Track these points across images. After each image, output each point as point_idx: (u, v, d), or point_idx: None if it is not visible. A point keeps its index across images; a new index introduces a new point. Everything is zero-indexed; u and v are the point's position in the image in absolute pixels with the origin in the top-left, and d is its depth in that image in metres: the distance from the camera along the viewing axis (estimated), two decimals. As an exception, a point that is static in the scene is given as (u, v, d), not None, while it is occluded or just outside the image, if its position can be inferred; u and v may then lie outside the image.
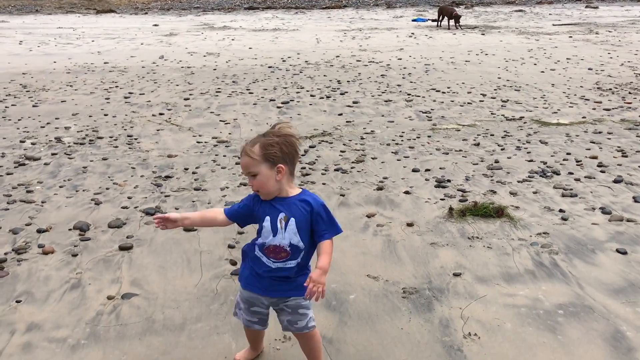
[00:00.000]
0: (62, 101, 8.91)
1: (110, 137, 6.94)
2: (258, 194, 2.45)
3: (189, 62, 12.90)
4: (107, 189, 5.22)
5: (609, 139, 6.70)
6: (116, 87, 10.07)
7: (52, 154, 6.23)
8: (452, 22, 21.01)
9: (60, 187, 5.26)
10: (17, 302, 3.35)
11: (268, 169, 2.35)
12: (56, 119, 7.82)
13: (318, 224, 2.42)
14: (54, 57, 13.83)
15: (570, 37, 17.66)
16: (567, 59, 13.05)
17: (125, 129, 7.29)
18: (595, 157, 5.98)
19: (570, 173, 5.52)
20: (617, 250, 3.94)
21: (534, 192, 5.04)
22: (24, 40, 17.46)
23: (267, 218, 2.43)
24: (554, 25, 22.14)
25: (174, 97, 9.24)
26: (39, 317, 3.20)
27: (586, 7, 31.39)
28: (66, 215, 4.61)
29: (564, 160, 5.93)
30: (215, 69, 11.94)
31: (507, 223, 4.40)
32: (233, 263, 3.81)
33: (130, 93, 9.50)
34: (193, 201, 4.92)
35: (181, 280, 3.59)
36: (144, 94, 9.48)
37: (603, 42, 16.08)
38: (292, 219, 2.40)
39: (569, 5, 33.00)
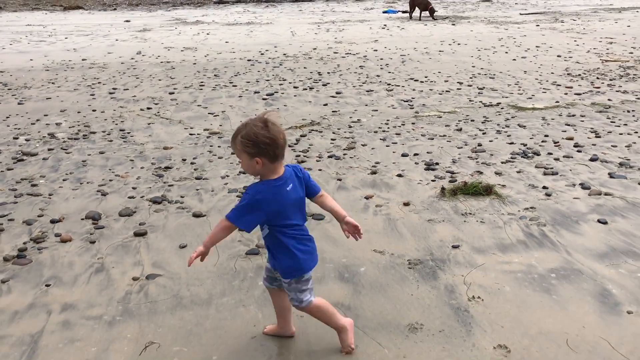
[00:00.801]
0: (47, 98, 8.96)
1: (103, 131, 7.07)
2: None
3: (168, 57, 12.97)
4: (110, 180, 5.39)
5: (582, 121, 7.11)
6: (99, 83, 10.13)
7: (49, 150, 6.34)
8: (425, 13, 21.29)
9: (64, 180, 5.41)
10: (47, 285, 3.53)
11: (248, 159, 2.57)
12: (45, 115, 7.89)
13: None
14: (29, 55, 13.73)
15: (538, 25, 18.21)
16: (537, 46, 13.53)
17: (116, 124, 7.41)
18: (571, 138, 6.37)
19: (550, 153, 5.89)
20: (599, 221, 4.29)
21: (518, 172, 5.38)
22: (-6, 38, 17.22)
23: None
24: (521, 14, 22.74)
25: (159, 91, 9.36)
26: (71, 298, 3.39)
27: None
28: (76, 206, 4.77)
29: (542, 142, 6.30)
30: (195, 63, 12.06)
31: (496, 200, 4.73)
32: (245, 244, 4.04)
33: (114, 89, 9.58)
34: (197, 189, 5.12)
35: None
36: (128, 89, 9.58)
37: (569, 30, 16.65)
38: None
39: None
